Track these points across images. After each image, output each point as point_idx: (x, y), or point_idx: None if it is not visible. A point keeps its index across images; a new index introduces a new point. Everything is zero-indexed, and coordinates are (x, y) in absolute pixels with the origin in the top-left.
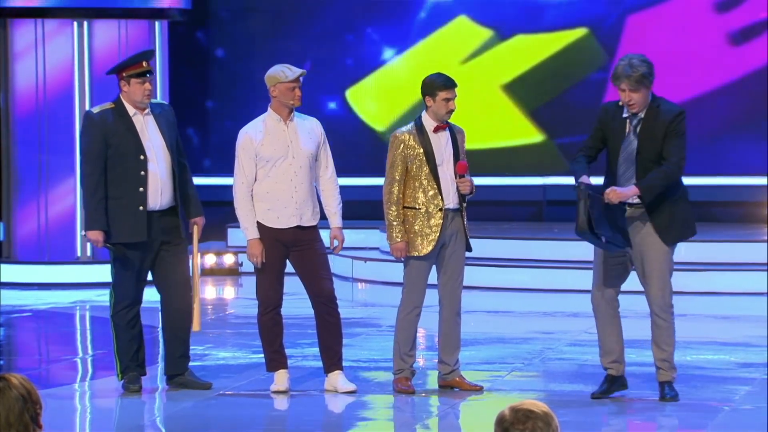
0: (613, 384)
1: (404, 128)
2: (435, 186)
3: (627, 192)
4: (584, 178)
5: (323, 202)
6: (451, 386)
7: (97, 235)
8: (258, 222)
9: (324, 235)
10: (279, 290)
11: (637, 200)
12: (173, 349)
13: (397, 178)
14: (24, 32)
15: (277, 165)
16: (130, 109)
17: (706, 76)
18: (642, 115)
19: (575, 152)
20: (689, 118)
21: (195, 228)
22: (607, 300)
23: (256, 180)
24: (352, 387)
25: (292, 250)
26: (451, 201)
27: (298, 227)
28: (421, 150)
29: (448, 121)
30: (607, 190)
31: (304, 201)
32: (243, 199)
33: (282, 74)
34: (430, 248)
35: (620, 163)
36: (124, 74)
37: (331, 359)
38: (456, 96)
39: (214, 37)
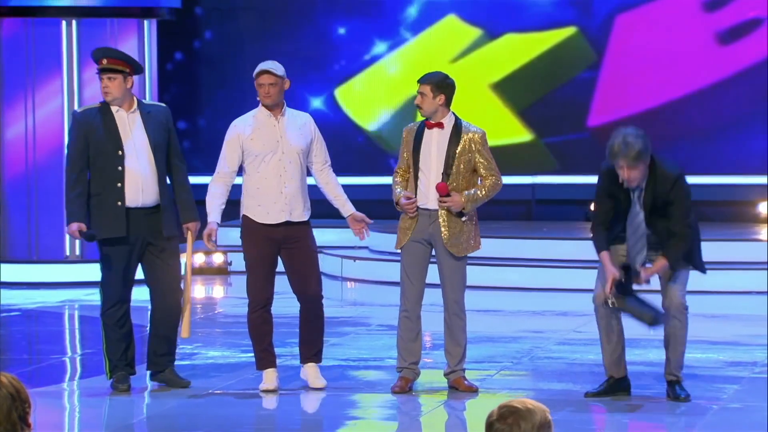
0: (613, 386)
1: (412, 123)
2: (414, 185)
3: (658, 270)
4: (610, 299)
5: (328, 195)
6: (454, 387)
7: (73, 228)
8: (249, 218)
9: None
10: (268, 288)
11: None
12: (155, 346)
13: (399, 164)
14: (13, 31)
15: (266, 160)
16: (114, 107)
17: (694, 75)
18: (643, 185)
19: (593, 221)
20: (678, 117)
21: (189, 234)
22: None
23: (246, 174)
24: (322, 383)
25: (283, 246)
26: (429, 201)
27: (288, 223)
28: (410, 147)
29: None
30: (644, 276)
31: (294, 196)
32: (213, 185)
33: (256, 71)
34: (400, 245)
35: (629, 236)
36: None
37: (309, 351)
38: (425, 93)
39: (203, 36)
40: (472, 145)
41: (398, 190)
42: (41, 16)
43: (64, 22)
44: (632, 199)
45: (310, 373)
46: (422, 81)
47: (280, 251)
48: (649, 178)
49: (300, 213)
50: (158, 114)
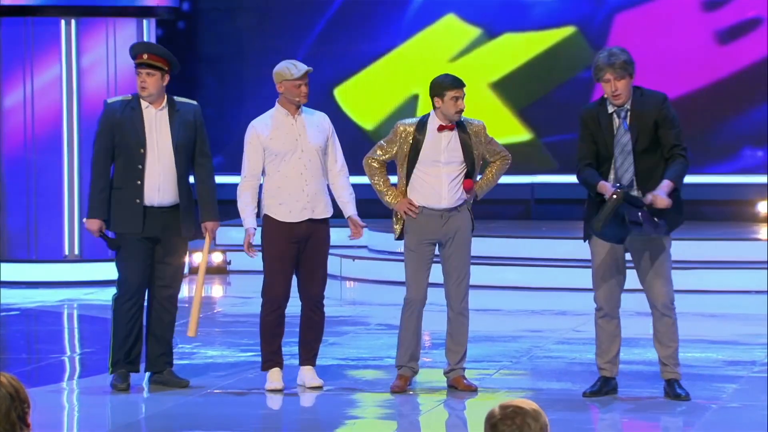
0: (605, 385)
1: (408, 120)
2: (404, 185)
3: (665, 191)
4: (605, 185)
5: (335, 194)
6: (453, 386)
7: (93, 224)
8: (271, 217)
9: (335, 232)
10: (286, 289)
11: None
12: (152, 347)
13: (378, 154)
14: (12, 30)
15: (287, 159)
16: (144, 103)
17: (693, 74)
18: (628, 106)
19: (578, 165)
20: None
21: (207, 233)
22: (610, 301)
23: (265, 174)
24: (319, 382)
25: (303, 243)
26: (444, 202)
27: (310, 220)
28: (408, 148)
29: (465, 118)
30: (652, 198)
31: (315, 194)
32: (243, 191)
33: (287, 72)
34: (397, 235)
35: (616, 156)
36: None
37: (307, 354)
38: (464, 95)
39: (202, 35)
40: (480, 138)
41: (392, 194)
42: (40, 16)
43: (63, 22)
44: (617, 122)
45: (306, 375)
46: (463, 85)
47: (299, 248)
48: (635, 97)
49: (322, 210)
50: (187, 112)
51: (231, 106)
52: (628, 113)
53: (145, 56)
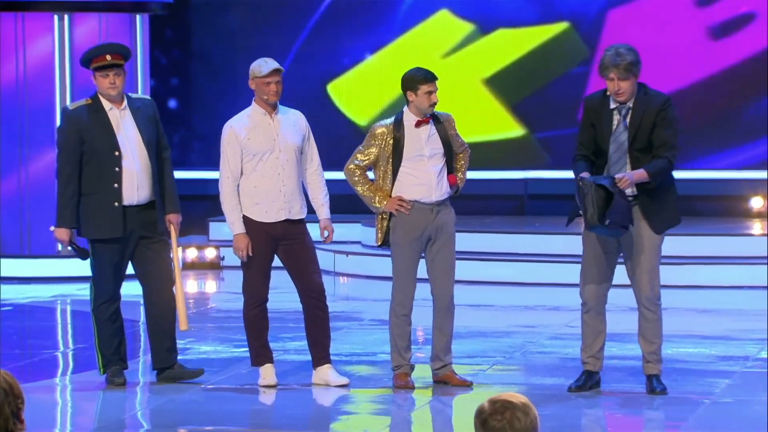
0: (589, 379)
1: (384, 121)
2: (390, 183)
3: (638, 176)
4: (584, 174)
5: (310, 195)
6: (444, 382)
7: (63, 233)
8: (247, 216)
9: (312, 228)
10: (266, 285)
11: (630, 192)
12: (159, 342)
13: (360, 160)
14: (4, 26)
15: (264, 159)
16: (107, 104)
17: (687, 69)
18: (630, 104)
19: (574, 151)
20: None
21: (172, 226)
22: (596, 296)
23: (242, 174)
24: (344, 380)
25: (281, 243)
26: (434, 194)
27: (287, 221)
28: (392, 146)
29: (433, 111)
30: (620, 177)
31: (292, 194)
32: (229, 193)
33: (258, 69)
34: (380, 242)
35: (611, 154)
36: (91, 66)
37: (320, 353)
38: (437, 89)
39: (195, 30)
40: (451, 129)
41: (380, 197)
42: (33, 11)
43: (55, 16)
44: (617, 120)
45: (327, 374)
46: (436, 79)
47: (277, 248)
48: (638, 96)
49: (298, 210)
50: (148, 109)
51: (223, 102)
52: (629, 111)
53: (109, 57)
